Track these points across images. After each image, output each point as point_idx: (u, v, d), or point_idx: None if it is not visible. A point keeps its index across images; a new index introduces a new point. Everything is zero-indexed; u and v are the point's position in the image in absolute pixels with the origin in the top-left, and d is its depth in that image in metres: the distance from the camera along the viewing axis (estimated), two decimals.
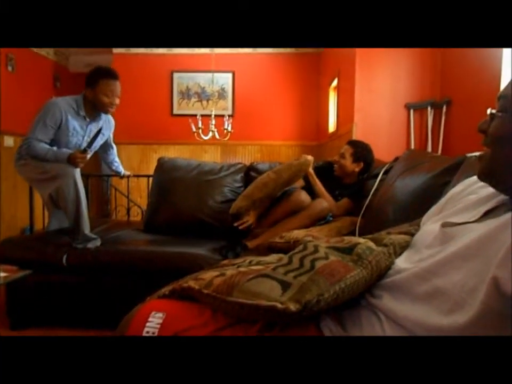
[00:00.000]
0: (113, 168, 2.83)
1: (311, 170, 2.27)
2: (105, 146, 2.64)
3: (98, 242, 2.11)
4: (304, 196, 2.18)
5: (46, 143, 2.16)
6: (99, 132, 2.26)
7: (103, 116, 2.39)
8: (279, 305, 0.60)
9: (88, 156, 2.16)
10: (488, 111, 0.68)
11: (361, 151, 2.33)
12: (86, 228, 2.10)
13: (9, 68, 4.52)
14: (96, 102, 2.22)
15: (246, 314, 0.64)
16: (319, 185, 2.27)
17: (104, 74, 2.21)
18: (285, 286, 0.65)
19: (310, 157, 2.22)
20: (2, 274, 1.61)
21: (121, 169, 2.86)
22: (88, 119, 2.30)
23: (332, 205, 2.21)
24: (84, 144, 2.30)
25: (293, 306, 0.60)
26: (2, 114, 4.39)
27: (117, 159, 2.81)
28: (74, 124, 2.23)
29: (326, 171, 2.43)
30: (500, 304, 0.50)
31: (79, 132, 2.28)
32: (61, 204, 2.09)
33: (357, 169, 2.33)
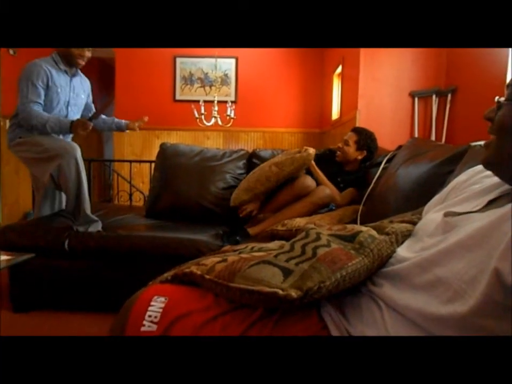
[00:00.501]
0: (112, 124, 2.64)
1: (312, 162, 2.26)
2: (89, 108, 2.58)
3: (99, 226, 2.12)
4: (310, 181, 2.18)
5: (40, 104, 2.15)
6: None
7: (80, 73, 2.41)
8: (281, 292, 0.60)
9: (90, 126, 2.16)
10: (496, 99, 0.68)
11: (365, 139, 2.32)
12: (87, 208, 2.11)
13: (11, 51, 4.49)
14: (67, 53, 2.23)
15: (247, 300, 0.64)
16: (321, 176, 2.26)
17: None
18: (287, 272, 0.65)
19: (312, 150, 2.21)
20: (4, 257, 1.62)
21: (121, 120, 2.68)
22: (69, 74, 2.31)
23: (336, 195, 2.20)
24: (72, 101, 2.32)
25: (294, 293, 0.60)
26: (4, 98, 4.37)
27: (105, 116, 2.66)
28: (59, 80, 2.24)
29: (327, 159, 2.42)
30: (501, 295, 0.50)
31: (65, 87, 2.28)
32: (62, 183, 2.08)
33: (359, 157, 2.33)
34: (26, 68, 2.18)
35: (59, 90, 2.23)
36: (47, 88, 2.19)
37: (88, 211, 2.11)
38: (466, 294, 0.54)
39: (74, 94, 2.34)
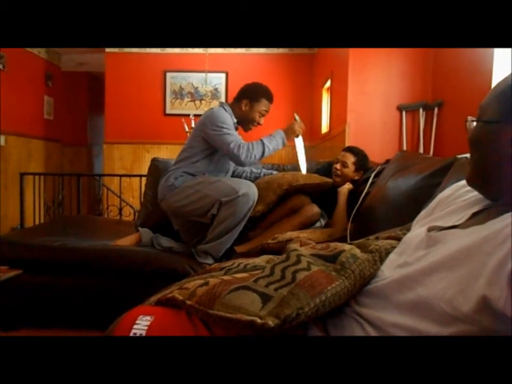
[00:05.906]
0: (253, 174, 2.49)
1: (346, 191, 2.13)
2: None
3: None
4: (316, 209, 2.10)
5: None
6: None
7: None
8: (258, 321, 0.60)
9: None
10: (469, 118, 0.70)
11: (363, 159, 2.24)
12: (228, 244, 2.02)
13: (0, 66, 4.48)
14: (248, 116, 2.21)
15: (228, 326, 0.64)
16: (343, 208, 2.10)
17: (268, 96, 2.22)
18: (266, 299, 0.65)
19: (347, 186, 2.15)
20: None
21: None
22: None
23: (339, 231, 2.03)
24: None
25: (271, 322, 0.60)
26: None
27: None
28: None
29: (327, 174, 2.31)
30: (491, 321, 0.50)
31: None
32: (224, 216, 1.95)
33: (356, 178, 2.23)
34: (216, 114, 2.10)
35: None
36: None
37: (227, 246, 2.02)
38: (447, 314, 0.55)
39: None
